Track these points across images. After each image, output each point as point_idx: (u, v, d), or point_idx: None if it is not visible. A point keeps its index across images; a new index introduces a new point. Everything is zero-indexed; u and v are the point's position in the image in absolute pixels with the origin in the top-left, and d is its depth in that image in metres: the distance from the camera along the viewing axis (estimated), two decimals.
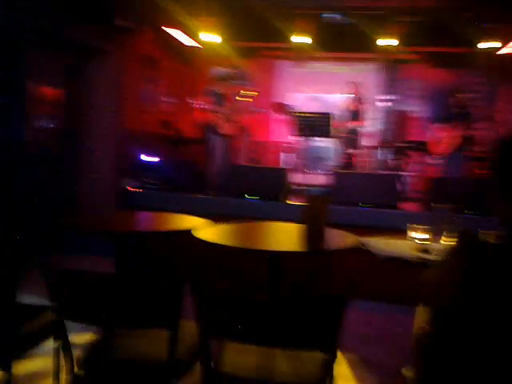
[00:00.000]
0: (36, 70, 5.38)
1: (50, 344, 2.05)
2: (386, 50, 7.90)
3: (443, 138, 6.20)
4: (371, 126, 8.19)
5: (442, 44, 8.26)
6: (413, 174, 7.51)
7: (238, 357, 1.81)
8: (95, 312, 1.77)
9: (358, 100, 7.12)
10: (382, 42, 7.47)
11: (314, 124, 5.73)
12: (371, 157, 7.57)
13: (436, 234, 2.35)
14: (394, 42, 7.46)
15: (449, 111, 6.31)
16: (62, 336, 1.76)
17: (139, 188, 5.52)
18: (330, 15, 6.78)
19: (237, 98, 6.70)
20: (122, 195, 5.71)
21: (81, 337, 2.10)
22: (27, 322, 2.09)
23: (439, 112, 6.48)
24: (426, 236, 2.39)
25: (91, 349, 1.92)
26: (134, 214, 3.32)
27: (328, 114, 5.83)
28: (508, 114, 8.26)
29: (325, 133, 5.80)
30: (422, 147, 7.32)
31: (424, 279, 1.43)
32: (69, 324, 1.76)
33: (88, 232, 2.56)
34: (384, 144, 7.39)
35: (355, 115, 7.05)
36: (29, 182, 5.25)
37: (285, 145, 8.38)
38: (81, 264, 4.78)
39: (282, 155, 8.34)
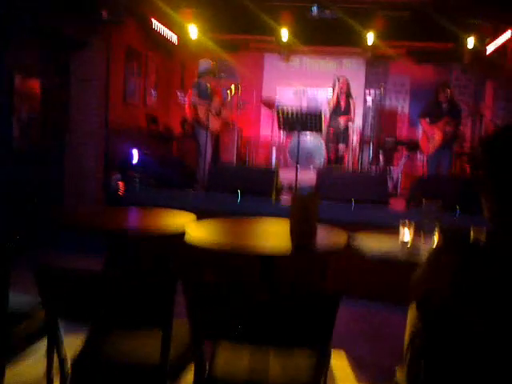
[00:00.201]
0: (19, 63, 5.31)
1: (43, 344, 2.03)
2: (371, 44, 7.93)
3: (434, 133, 6.24)
4: (359, 121, 8.21)
5: (427, 39, 8.31)
6: (402, 170, 7.55)
7: (232, 358, 1.81)
8: (86, 311, 1.75)
9: (347, 95, 7.11)
10: (367, 36, 7.50)
11: (305, 119, 5.71)
12: (361, 152, 7.59)
13: (426, 232, 2.36)
14: (380, 36, 7.50)
15: (440, 107, 6.34)
16: (54, 336, 1.75)
17: (127, 184, 5.47)
18: (314, 9, 6.77)
19: (227, 92, 6.66)
20: (109, 191, 5.66)
21: (74, 337, 2.08)
22: (19, 323, 2.06)
23: (430, 107, 6.50)
24: (417, 233, 2.40)
25: (82, 350, 1.90)
26: (124, 210, 3.29)
27: (320, 111, 5.82)
28: (496, 110, 8.33)
29: (316, 128, 5.78)
30: (411, 143, 7.37)
31: (413, 278, 1.43)
32: (63, 324, 1.74)
33: (78, 230, 2.53)
34: (373, 140, 7.41)
35: (345, 110, 7.05)
36: (15, 179, 5.19)
37: (275, 140, 8.37)
38: (69, 262, 4.75)
39: (274, 151, 8.33)
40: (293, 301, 1.55)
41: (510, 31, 7.08)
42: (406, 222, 2.39)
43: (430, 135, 6.28)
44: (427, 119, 6.44)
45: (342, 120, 6.97)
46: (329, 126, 7.14)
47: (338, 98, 7.04)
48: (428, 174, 6.71)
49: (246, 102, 7.59)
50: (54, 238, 4.93)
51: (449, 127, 6.21)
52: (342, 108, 7.05)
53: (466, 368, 1.19)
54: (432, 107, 6.47)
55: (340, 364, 2.98)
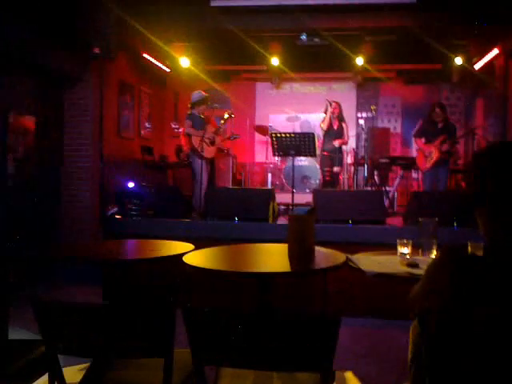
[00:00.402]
0: (13, 100, 5.37)
1: (45, 379, 2.00)
2: (361, 68, 8.07)
3: (432, 152, 6.28)
4: (353, 143, 8.28)
5: (415, 61, 8.46)
6: (398, 189, 7.58)
7: (235, 382, 1.79)
8: (87, 344, 1.74)
9: (339, 118, 7.18)
10: (356, 61, 7.64)
11: (299, 144, 5.76)
12: (356, 173, 7.63)
13: (425, 248, 2.36)
14: (369, 60, 7.63)
15: (435, 126, 6.40)
16: (55, 370, 1.73)
17: (123, 215, 5.47)
18: (303, 36, 6.89)
19: (221, 121, 6.73)
20: (105, 223, 5.66)
21: (75, 370, 2.05)
22: (19, 359, 2.04)
23: (425, 127, 6.56)
24: (415, 250, 2.40)
25: (83, 381, 1.88)
26: (120, 242, 3.28)
27: (312, 133, 5.87)
28: (487, 126, 8.41)
29: (310, 152, 5.82)
30: (406, 162, 7.41)
31: (412, 293, 1.43)
32: (63, 357, 1.72)
33: (74, 262, 2.53)
34: (368, 161, 7.46)
35: (338, 134, 7.11)
36: (11, 216, 5.19)
37: (270, 165, 8.42)
38: (66, 293, 4.73)
39: (269, 176, 8.37)
40: (293, 325, 1.54)
41: (496, 49, 7.21)
42: (404, 240, 2.40)
43: (427, 153, 6.33)
44: (423, 139, 6.49)
45: (336, 143, 7.02)
46: (322, 150, 7.19)
47: (330, 121, 7.11)
48: (424, 190, 6.74)
49: (237, 135, 7.67)
50: (52, 271, 4.91)
51: (445, 146, 6.27)
52: (334, 131, 7.11)
53: (470, 380, 1.18)
54: (427, 127, 6.52)
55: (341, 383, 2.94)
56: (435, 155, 6.26)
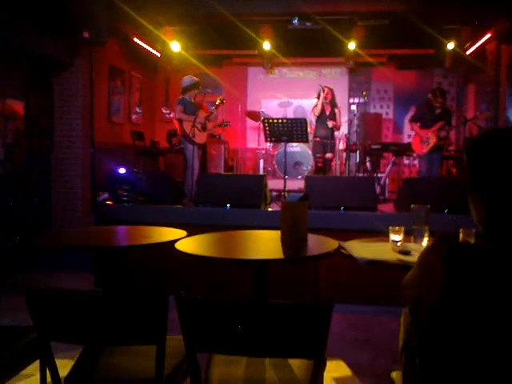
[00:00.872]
0: (2, 86, 5.30)
1: (36, 366, 2.01)
2: (353, 53, 8.03)
3: (429, 137, 6.28)
4: (345, 129, 8.27)
5: (408, 46, 8.44)
6: (390, 175, 7.60)
7: (227, 369, 1.80)
8: (79, 331, 1.73)
9: (332, 104, 7.16)
10: (348, 45, 7.60)
11: (291, 130, 5.74)
12: (348, 159, 7.63)
13: (417, 235, 2.37)
14: (361, 45, 7.59)
15: (433, 112, 6.39)
16: (46, 357, 1.72)
17: (114, 201, 5.45)
18: (295, 20, 6.84)
19: (212, 107, 6.68)
20: (96, 209, 5.64)
21: (66, 356, 2.06)
22: (10, 345, 2.04)
23: (422, 112, 6.54)
24: (407, 237, 2.41)
25: (75, 368, 1.88)
26: (111, 228, 3.27)
27: (304, 119, 5.85)
28: (477, 112, 8.43)
29: (302, 138, 5.81)
30: (398, 148, 7.42)
31: (404, 281, 1.44)
32: (55, 344, 1.72)
33: (66, 249, 2.51)
34: (360, 146, 7.46)
35: (331, 119, 7.09)
36: (0, 201, 5.15)
37: (262, 151, 8.40)
38: (57, 280, 4.73)
39: (261, 162, 8.36)
40: (285, 312, 1.55)
41: (488, 34, 7.20)
42: (396, 227, 2.40)
43: (424, 139, 6.32)
44: (418, 123, 6.49)
45: (329, 123, 6.98)
46: (315, 136, 7.18)
47: (323, 107, 7.08)
48: (420, 176, 6.76)
49: (228, 122, 7.63)
50: (42, 258, 4.90)
51: (443, 132, 6.27)
52: (327, 117, 7.09)
53: (461, 368, 1.19)
54: (424, 111, 6.50)
55: (341, 374, 2.97)
56: (432, 141, 6.27)
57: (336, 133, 7.36)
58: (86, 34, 5.44)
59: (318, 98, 7.15)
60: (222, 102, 6.76)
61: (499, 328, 1.13)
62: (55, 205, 6.22)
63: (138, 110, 8.74)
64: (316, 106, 7.16)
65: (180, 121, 6.34)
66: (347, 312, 3.91)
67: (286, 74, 9.99)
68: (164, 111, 7.08)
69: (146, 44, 8.21)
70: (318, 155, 7.16)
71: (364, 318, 3.96)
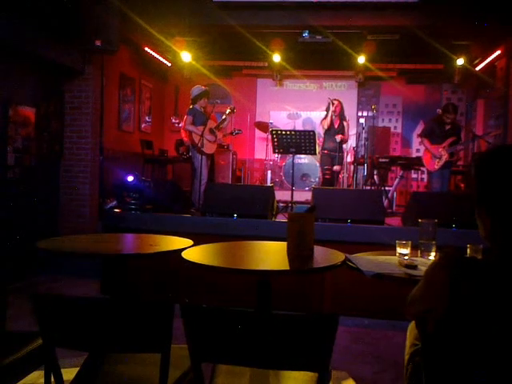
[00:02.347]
0: (14, 92, 5.36)
1: (40, 373, 2.01)
2: (362, 67, 8.06)
3: (441, 154, 6.24)
4: (353, 142, 8.28)
5: (417, 61, 8.46)
6: (397, 188, 7.58)
7: (231, 380, 1.79)
8: (84, 337, 1.74)
9: (341, 117, 7.16)
10: (358, 59, 7.63)
11: (299, 142, 5.75)
12: (355, 172, 7.63)
13: (424, 250, 2.36)
14: (371, 59, 7.62)
15: (443, 127, 6.36)
16: (51, 364, 1.73)
17: (122, 209, 5.47)
18: (306, 34, 6.87)
19: (223, 117, 6.72)
20: (104, 216, 5.66)
21: (72, 363, 2.06)
22: (15, 351, 2.04)
23: (432, 127, 6.50)
24: (413, 252, 2.40)
25: (79, 375, 1.88)
26: (119, 236, 3.28)
27: (313, 131, 5.86)
28: (487, 128, 8.42)
29: (310, 150, 5.82)
30: (406, 162, 7.40)
31: (410, 295, 1.43)
32: (59, 351, 1.72)
33: (73, 256, 2.52)
34: (368, 160, 7.45)
35: (339, 132, 7.09)
36: (10, 207, 5.19)
37: (270, 162, 8.42)
38: (65, 286, 4.73)
39: (269, 173, 8.37)
40: (290, 323, 1.54)
41: (498, 51, 7.21)
42: (403, 241, 2.40)
43: (437, 155, 6.27)
44: (428, 139, 6.45)
45: (337, 137, 6.98)
46: (323, 148, 7.18)
47: (331, 119, 7.08)
48: (431, 191, 6.71)
49: (239, 130, 7.63)
50: (50, 263, 4.92)
51: (454, 148, 6.25)
52: (335, 130, 7.09)
53: (467, 383, 1.19)
54: (435, 127, 6.45)
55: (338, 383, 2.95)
56: (444, 157, 6.23)
57: (344, 146, 7.36)
58: (97, 43, 5.49)
59: (327, 111, 7.16)
60: (232, 112, 6.79)
61: (506, 342, 1.12)
62: (63, 210, 6.24)
63: (147, 118, 8.80)
64: (325, 118, 7.16)
65: (189, 130, 6.37)
66: (353, 325, 3.89)
67: (295, 86, 10.04)
68: (173, 121, 7.13)
69: (157, 53, 8.29)
70: (326, 167, 7.16)
71: (370, 331, 3.93)
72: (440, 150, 6.26)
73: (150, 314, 1.66)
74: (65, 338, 1.74)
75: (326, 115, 7.14)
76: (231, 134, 7.40)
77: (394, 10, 6.03)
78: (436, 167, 6.32)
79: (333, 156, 7.08)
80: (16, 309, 1.92)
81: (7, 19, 4.85)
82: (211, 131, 6.47)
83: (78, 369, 1.93)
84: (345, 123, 7.17)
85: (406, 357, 1.66)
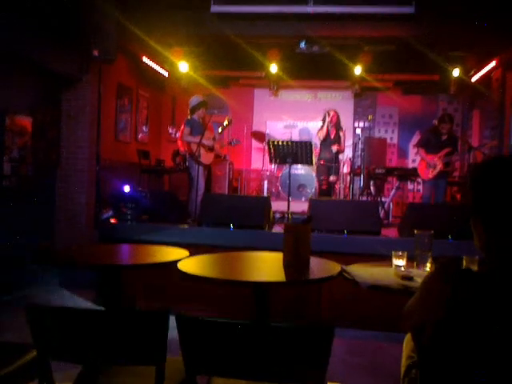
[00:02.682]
0: (10, 101, 5.37)
1: None
2: (359, 78, 8.10)
3: (436, 163, 6.27)
4: (349, 152, 8.30)
5: (413, 72, 8.50)
6: (394, 199, 7.58)
7: None
8: (78, 349, 1.72)
9: (337, 127, 7.18)
10: (355, 70, 7.67)
11: (296, 152, 5.77)
12: (351, 183, 7.64)
13: (420, 261, 2.36)
14: (367, 70, 7.66)
15: (439, 137, 6.39)
16: (45, 376, 1.71)
17: (118, 219, 5.46)
18: (303, 44, 6.91)
19: (219, 128, 6.73)
20: (100, 226, 5.65)
21: (65, 376, 2.03)
22: (9, 363, 2.02)
23: (428, 137, 6.54)
24: (409, 263, 2.40)
25: None
26: (114, 246, 3.27)
27: (310, 142, 5.88)
28: (482, 138, 8.46)
29: (307, 161, 5.83)
30: (402, 173, 7.42)
31: (406, 306, 1.43)
32: (53, 363, 1.71)
33: (69, 266, 2.51)
34: (364, 170, 7.46)
35: (335, 142, 7.11)
36: (5, 216, 5.16)
37: (267, 173, 8.42)
38: (58, 297, 4.70)
39: (266, 183, 8.37)
40: (286, 335, 1.54)
41: (494, 62, 7.26)
42: (399, 252, 2.40)
43: (432, 164, 6.31)
44: (429, 150, 6.47)
45: (334, 148, 7.01)
46: (319, 158, 7.19)
47: (328, 130, 7.11)
48: (423, 200, 6.74)
49: (238, 140, 7.63)
50: (43, 275, 4.89)
51: (449, 158, 6.28)
52: (331, 140, 7.12)
53: None
54: (431, 137, 6.49)
55: None
56: (439, 166, 6.26)
57: (340, 156, 7.38)
58: (95, 53, 5.51)
59: (323, 121, 7.18)
60: (229, 123, 6.79)
61: (502, 354, 1.12)
62: (59, 220, 6.22)
63: (144, 128, 8.81)
64: (321, 129, 7.18)
65: (186, 140, 6.38)
66: (349, 337, 3.87)
67: (291, 96, 10.07)
68: (170, 131, 7.12)
69: (155, 63, 8.31)
70: (322, 178, 7.16)
71: (366, 343, 3.91)
72: (435, 159, 6.30)
73: (144, 325, 1.66)
74: (59, 350, 1.73)
75: (322, 126, 7.17)
76: (230, 144, 7.40)
77: (390, 21, 6.07)
78: (430, 176, 6.35)
79: (329, 166, 7.10)
80: (5, 322, 1.90)
81: (5, 23, 4.85)
82: (208, 142, 6.47)
83: (71, 382, 1.91)
84: (341, 133, 7.19)
85: (403, 369, 1.65)
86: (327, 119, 7.10)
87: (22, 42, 5.14)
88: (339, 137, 7.15)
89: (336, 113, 7.17)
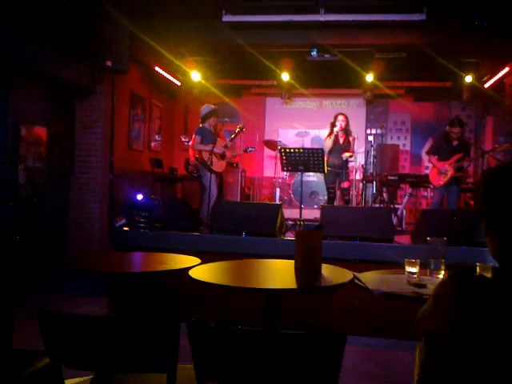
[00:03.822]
0: (25, 112, 5.44)
1: None
2: (371, 85, 8.08)
3: (447, 169, 6.22)
4: (361, 159, 8.26)
5: (425, 79, 8.47)
6: (407, 206, 7.53)
7: None
8: (90, 356, 1.73)
9: (346, 132, 7.05)
10: (366, 77, 7.65)
11: (308, 159, 5.77)
12: (364, 190, 7.60)
13: (433, 268, 2.34)
14: (379, 77, 7.64)
15: (450, 143, 6.34)
16: (58, 383, 1.72)
17: (131, 227, 5.49)
18: (314, 52, 6.91)
19: (231, 136, 6.75)
20: (113, 234, 5.68)
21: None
22: (21, 370, 2.04)
23: (439, 144, 6.48)
24: (423, 270, 2.38)
25: None
26: (127, 254, 3.28)
27: (321, 149, 5.87)
28: (496, 145, 8.38)
29: (319, 168, 5.82)
30: (415, 180, 7.37)
31: (419, 314, 1.42)
32: (65, 371, 1.72)
33: (82, 272, 2.53)
34: (376, 177, 7.42)
35: (345, 149, 6.99)
36: (20, 225, 5.22)
37: (279, 180, 8.42)
38: (73, 305, 4.73)
39: (278, 191, 8.36)
40: (297, 342, 1.53)
41: (507, 68, 7.21)
42: (412, 259, 2.38)
43: (443, 170, 6.25)
44: (436, 156, 6.42)
45: (344, 156, 6.87)
46: (327, 165, 7.03)
47: (337, 135, 6.94)
48: (434, 207, 6.67)
49: (254, 148, 7.60)
50: (57, 282, 4.91)
51: (461, 164, 6.22)
52: (341, 145, 6.95)
53: None
54: (441, 144, 6.43)
55: None
56: (450, 173, 6.20)
57: (352, 163, 7.29)
58: (108, 63, 5.57)
59: (331, 127, 6.99)
60: (241, 130, 6.80)
61: None
62: (72, 228, 6.27)
63: (157, 137, 8.87)
64: (329, 136, 6.94)
65: (199, 148, 6.40)
66: (361, 345, 3.83)
67: (303, 104, 10.08)
68: (183, 139, 7.17)
69: (167, 73, 8.38)
70: (330, 185, 6.98)
71: (378, 351, 3.88)
72: (446, 166, 6.24)
73: (155, 332, 1.66)
74: (71, 357, 1.73)
75: (330, 134, 6.96)
76: (245, 151, 7.40)
77: (401, 28, 6.06)
78: (441, 183, 6.29)
79: (338, 173, 6.94)
80: (17, 329, 1.91)
81: (18, 39, 4.93)
82: (220, 150, 6.48)
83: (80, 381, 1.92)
84: (351, 138, 7.05)
85: (416, 378, 1.63)
86: (337, 124, 6.91)
87: (35, 55, 5.21)
88: (349, 142, 7.01)
89: (345, 117, 6.98)
